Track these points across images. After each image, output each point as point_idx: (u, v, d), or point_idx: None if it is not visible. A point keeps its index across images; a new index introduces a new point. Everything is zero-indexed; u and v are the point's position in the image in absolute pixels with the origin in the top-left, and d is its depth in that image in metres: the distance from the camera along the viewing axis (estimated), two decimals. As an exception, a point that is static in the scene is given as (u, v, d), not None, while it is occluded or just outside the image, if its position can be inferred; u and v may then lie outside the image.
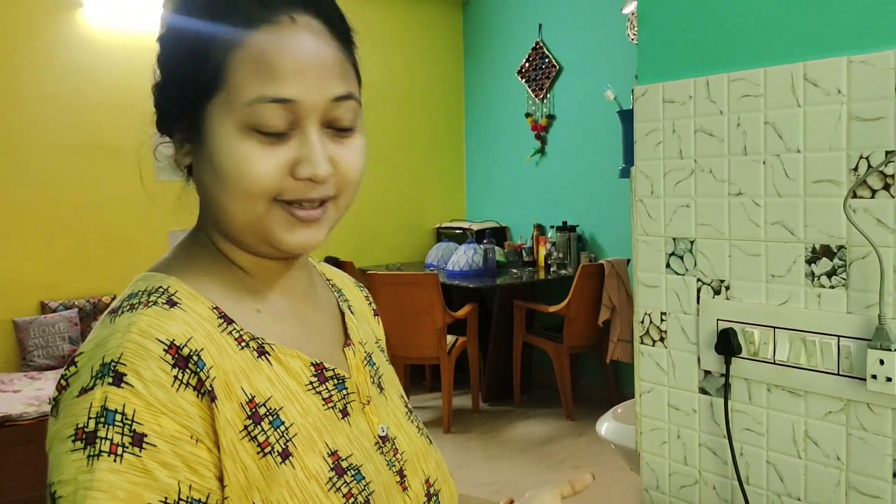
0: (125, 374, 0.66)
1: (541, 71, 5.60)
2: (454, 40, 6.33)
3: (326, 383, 0.80)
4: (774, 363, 1.25)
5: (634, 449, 1.53)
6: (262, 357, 0.75)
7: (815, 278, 1.20)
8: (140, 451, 0.65)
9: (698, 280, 1.36)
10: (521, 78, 5.74)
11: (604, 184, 5.10)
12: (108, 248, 4.88)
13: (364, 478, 0.77)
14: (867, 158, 1.13)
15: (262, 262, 0.80)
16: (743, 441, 1.32)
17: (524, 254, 5.57)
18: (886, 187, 1.11)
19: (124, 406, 0.65)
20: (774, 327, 1.25)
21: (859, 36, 1.14)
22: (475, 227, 5.75)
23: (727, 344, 1.30)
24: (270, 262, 0.81)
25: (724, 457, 1.34)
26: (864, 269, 1.14)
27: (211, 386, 0.69)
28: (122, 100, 4.84)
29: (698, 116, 1.34)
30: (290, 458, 0.72)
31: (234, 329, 0.75)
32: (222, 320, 0.74)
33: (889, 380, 1.10)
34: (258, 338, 0.76)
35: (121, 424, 0.64)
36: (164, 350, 0.68)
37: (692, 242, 1.37)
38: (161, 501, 0.64)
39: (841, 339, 1.17)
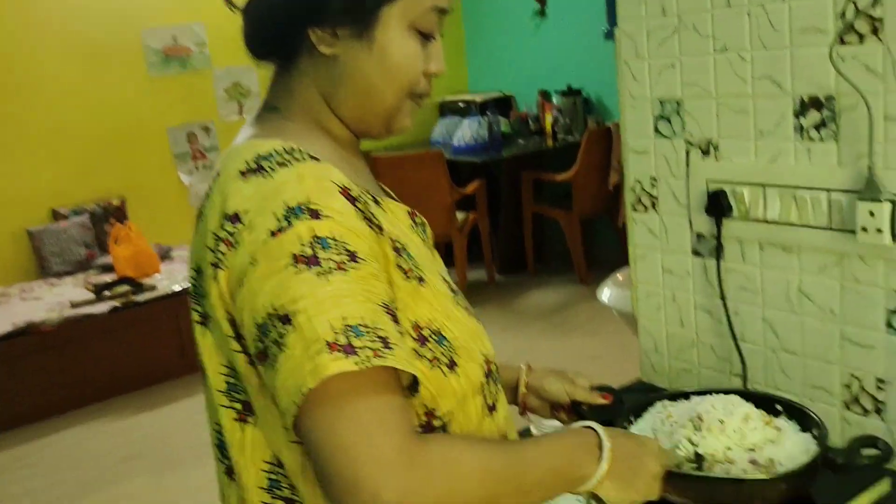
0: (320, 209, 0.75)
1: (535, -73, 5.33)
2: None
3: (417, 227, 0.93)
4: (766, 221, 1.23)
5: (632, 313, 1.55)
6: (377, 205, 0.85)
7: (804, 132, 1.16)
8: (357, 264, 0.75)
9: (687, 142, 1.33)
10: (516, -64, 5.48)
11: (608, 43, 4.94)
12: (111, 151, 4.86)
13: (461, 297, 0.92)
14: (854, 2, 1.07)
15: (352, 138, 0.92)
16: (738, 300, 1.32)
17: (530, 122, 5.48)
18: (875, 31, 1.05)
19: (332, 232, 0.75)
20: (764, 185, 1.22)
21: None
22: (478, 98, 5.62)
23: (717, 205, 1.28)
24: (354, 138, 0.92)
25: (720, 317, 1.34)
26: (853, 120, 1.10)
27: (377, 222, 0.80)
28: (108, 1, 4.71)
29: (680, -31, 1.27)
30: (424, 281, 0.84)
31: (355, 183, 0.82)
32: (346, 178, 0.81)
33: (879, 231, 1.08)
34: (369, 190, 0.86)
35: (335, 246, 0.74)
36: (339, 191, 0.78)
37: (679, 103, 1.32)
38: (383, 303, 0.75)
39: (831, 192, 1.14)
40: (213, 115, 5.15)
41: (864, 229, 1.09)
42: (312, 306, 0.71)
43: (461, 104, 5.71)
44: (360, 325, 0.71)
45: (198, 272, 0.83)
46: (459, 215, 4.74)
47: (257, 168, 0.79)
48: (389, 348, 0.72)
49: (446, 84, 6.11)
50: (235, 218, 0.77)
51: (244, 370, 0.80)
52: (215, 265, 0.78)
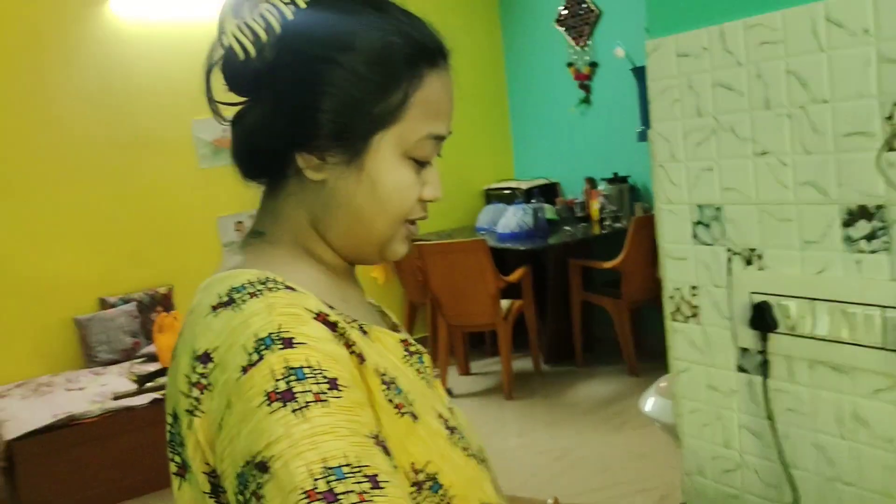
0: (293, 338, 0.69)
1: (579, 17, 5.38)
2: (489, -5, 6.13)
3: (413, 357, 0.87)
4: (814, 338, 1.13)
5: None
6: (364, 334, 0.80)
7: (853, 243, 1.07)
8: (339, 393, 0.68)
9: (728, 250, 1.24)
10: (560, 26, 5.54)
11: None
12: (160, 240, 4.92)
13: (463, 436, 0.85)
14: (903, 105, 0.99)
15: (343, 264, 0.87)
16: (786, 422, 1.20)
17: (577, 209, 5.42)
18: (927, 137, 0.97)
19: (307, 360, 0.68)
20: (812, 299, 1.13)
21: (887, -36, 1.00)
22: (524, 185, 5.60)
23: (762, 319, 1.19)
24: (345, 263, 0.88)
25: (767, 439, 1.23)
26: (907, 231, 1.01)
27: (359, 350, 0.75)
28: (154, 90, 4.84)
29: (715, 69, 1.21)
30: (418, 419, 0.78)
31: (337, 312, 0.77)
32: (326, 305, 0.77)
33: (943, 354, 0.97)
34: (356, 319, 0.80)
35: (312, 375, 0.68)
36: (314, 317, 0.73)
37: (718, 209, 1.25)
38: (370, 434, 0.68)
39: (886, 309, 1.04)
40: (261, 204, 5.21)
41: (926, 352, 0.99)
42: (288, 450, 0.64)
43: (506, 191, 5.70)
44: (342, 465, 0.64)
45: (174, 418, 0.76)
46: (504, 303, 4.65)
47: (228, 301, 0.73)
48: (379, 488, 0.64)
49: (493, 172, 6.12)
50: (206, 357, 0.71)
51: None
52: (191, 412, 0.72)
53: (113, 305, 4.69)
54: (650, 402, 1.74)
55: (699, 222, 1.28)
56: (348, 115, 0.78)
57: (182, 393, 0.73)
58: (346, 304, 0.83)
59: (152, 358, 4.44)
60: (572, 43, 5.48)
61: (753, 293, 1.20)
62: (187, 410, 0.72)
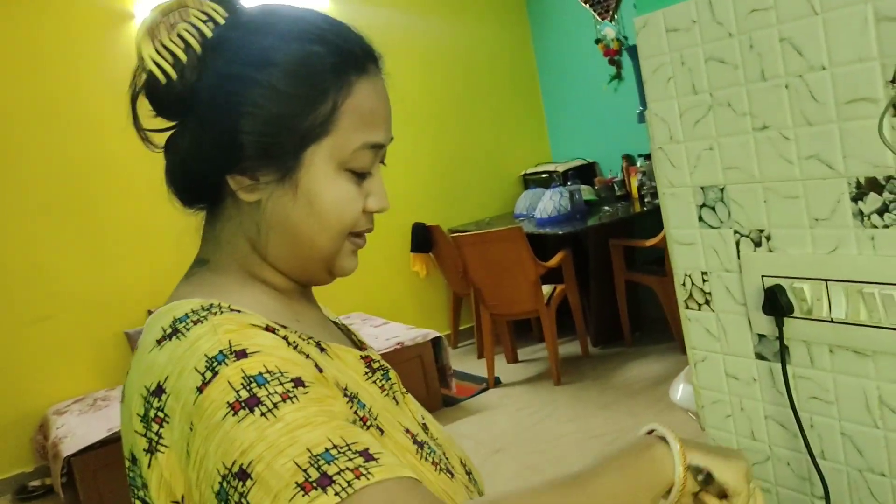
0: (246, 349, 0.68)
1: (604, -8, 5.26)
2: (512, -24, 6.03)
3: (376, 374, 0.84)
4: (832, 321, 1.06)
5: (700, 422, 1.37)
6: (321, 351, 0.78)
7: (865, 218, 0.99)
8: (305, 388, 0.66)
9: (735, 232, 1.17)
10: (585, 3, 5.41)
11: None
12: (201, 250, 4.98)
13: (434, 451, 0.82)
14: (904, 67, 0.91)
15: (294, 285, 0.84)
16: (811, 411, 1.13)
17: (616, 188, 5.32)
18: (932, 99, 0.89)
19: (265, 366, 0.66)
20: (826, 280, 1.05)
21: (877, -86, 0.91)
22: (560, 167, 5.51)
23: (776, 303, 1.11)
24: (297, 285, 0.85)
25: (794, 429, 1.16)
26: (921, 201, 0.93)
27: (315, 362, 0.73)
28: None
29: (706, 43, 1.13)
30: (384, 433, 0.76)
31: (292, 331, 0.76)
32: (277, 325, 0.75)
33: (968, 333, 0.89)
34: (313, 337, 0.79)
35: (273, 378, 0.66)
36: (264, 330, 0.71)
37: (722, 190, 1.17)
38: (348, 420, 0.67)
39: (904, 287, 0.96)
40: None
41: (949, 331, 0.91)
42: (268, 450, 0.61)
43: (544, 175, 5.61)
44: (328, 449, 0.61)
45: (132, 461, 0.74)
46: (546, 289, 4.59)
47: (172, 332, 0.71)
48: (374, 459, 0.62)
49: (529, 157, 6.03)
50: (159, 390, 0.69)
51: None
52: (150, 451, 0.69)
53: (160, 318, 4.77)
54: (680, 390, 1.67)
55: (703, 205, 1.21)
56: (273, 134, 0.75)
57: (137, 433, 0.71)
58: (300, 324, 0.81)
59: (201, 368, 4.50)
60: (598, 19, 5.35)
61: (765, 276, 1.13)
62: (145, 450, 0.70)
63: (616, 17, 5.23)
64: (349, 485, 0.58)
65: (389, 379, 0.87)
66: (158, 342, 0.72)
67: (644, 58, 1.23)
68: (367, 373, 0.83)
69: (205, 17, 0.77)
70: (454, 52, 5.74)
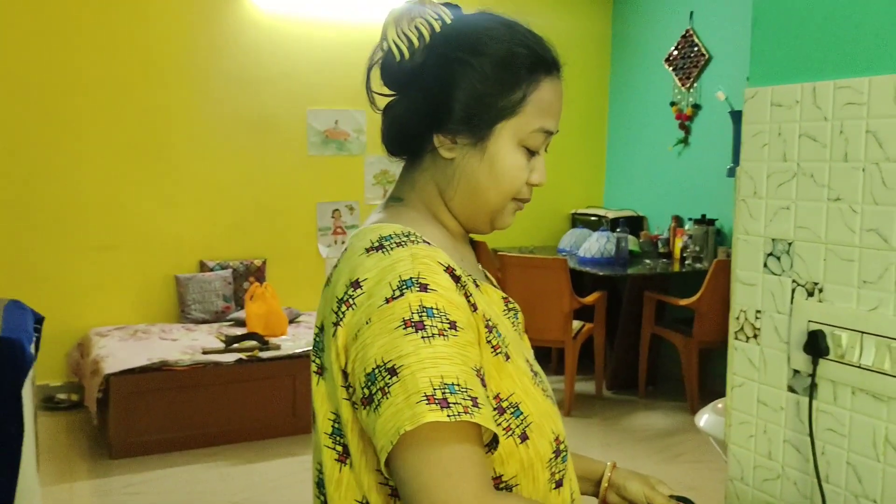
0: (428, 284, 0.89)
1: (689, 59, 5.50)
2: (602, 27, 6.30)
3: (510, 311, 1.08)
4: (860, 367, 1.28)
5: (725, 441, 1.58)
6: (476, 288, 0.99)
7: (906, 287, 1.22)
8: (456, 332, 0.88)
9: (793, 281, 1.40)
10: (669, 66, 5.66)
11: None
12: (262, 215, 5.26)
13: (543, 381, 1.05)
14: (963, 172, 1.13)
15: (461, 231, 1.07)
16: (825, 440, 1.35)
17: (659, 245, 5.53)
18: (980, 201, 1.11)
19: (437, 304, 0.88)
20: (862, 332, 1.27)
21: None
22: (611, 214, 5.74)
23: (816, 345, 1.34)
24: (463, 231, 1.08)
25: (807, 454, 1.38)
26: (954, 281, 1.15)
27: (473, 300, 0.94)
28: (278, 78, 5.19)
29: (803, 121, 1.37)
30: (510, 359, 0.97)
31: (460, 269, 0.96)
32: (452, 260, 0.95)
33: (970, 392, 1.11)
34: (472, 275, 1.00)
35: (438, 316, 0.87)
36: (444, 270, 0.92)
37: (790, 244, 1.40)
38: (475, 367, 0.88)
39: (926, 348, 1.18)
40: (360, 197, 5.50)
41: (955, 388, 1.13)
42: (416, 363, 0.84)
43: (593, 217, 5.84)
44: (454, 384, 0.84)
45: (321, 329, 0.98)
46: (576, 324, 4.80)
47: (379, 246, 0.94)
48: (478, 407, 0.84)
49: (582, 197, 6.27)
50: (357, 284, 0.92)
51: (347, 417, 0.92)
52: (336, 324, 0.93)
53: (211, 269, 5.03)
54: (704, 418, 1.89)
55: (771, 254, 1.43)
56: (476, 106, 0.99)
57: (332, 310, 0.95)
58: (463, 263, 1.03)
59: (240, 323, 4.75)
60: (678, 83, 5.59)
61: (811, 321, 1.35)
62: (333, 322, 0.94)
63: (695, 85, 5.47)
64: (458, 414, 0.82)
65: (518, 319, 1.10)
66: (367, 250, 0.95)
67: (747, 123, 1.47)
68: (504, 309, 1.07)
69: (436, 16, 1.02)
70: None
